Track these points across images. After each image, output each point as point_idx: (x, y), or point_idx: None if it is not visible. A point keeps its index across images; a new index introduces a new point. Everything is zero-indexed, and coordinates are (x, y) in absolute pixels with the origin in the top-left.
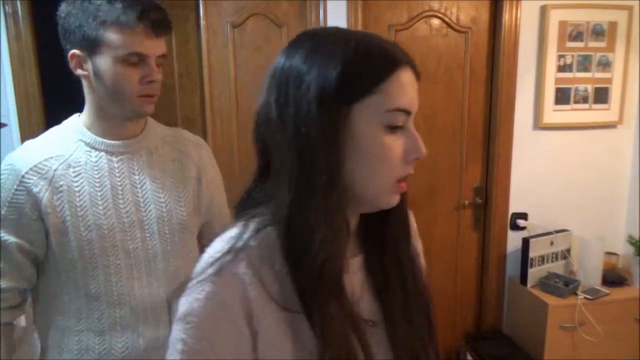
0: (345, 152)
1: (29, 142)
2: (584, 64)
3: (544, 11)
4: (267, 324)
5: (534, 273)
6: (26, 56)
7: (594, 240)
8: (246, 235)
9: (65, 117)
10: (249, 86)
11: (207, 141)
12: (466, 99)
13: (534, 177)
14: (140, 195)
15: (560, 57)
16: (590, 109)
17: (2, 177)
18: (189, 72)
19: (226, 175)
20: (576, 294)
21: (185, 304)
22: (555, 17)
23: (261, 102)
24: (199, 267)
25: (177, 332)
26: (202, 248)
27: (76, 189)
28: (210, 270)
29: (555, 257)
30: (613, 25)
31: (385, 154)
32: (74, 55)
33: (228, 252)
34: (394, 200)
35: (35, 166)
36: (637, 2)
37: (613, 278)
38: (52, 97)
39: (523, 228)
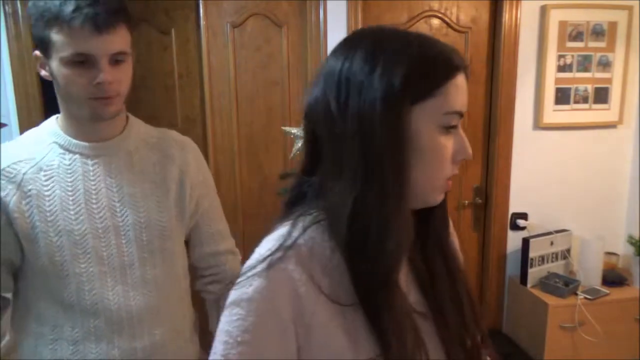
0: (408, 151)
1: (4, 145)
2: (584, 64)
3: (544, 11)
4: (321, 318)
5: (534, 273)
6: (26, 56)
7: (594, 240)
8: (295, 234)
9: None
10: (249, 86)
11: (207, 141)
12: None
13: (534, 177)
14: (116, 199)
15: (560, 57)
16: (590, 109)
17: None
18: (189, 72)
19: (226, 175)
20: (576, 294)
21: (232, 296)
22: (555, 17)
23: (315, 98)
24: (248, 265)
25: (223, 323)
26: (192, 254)
27: (46, 193)
28: (260, 267)
29: (555, 257)
30: (613, 25)
31: (440, 154)
32: (36, 57)
33: (277, 249)
34: (441, 197)
35: (3, 170)
36: (637, 2)
37: (613, 278)
38: (52, 97)
39: (523, 228)
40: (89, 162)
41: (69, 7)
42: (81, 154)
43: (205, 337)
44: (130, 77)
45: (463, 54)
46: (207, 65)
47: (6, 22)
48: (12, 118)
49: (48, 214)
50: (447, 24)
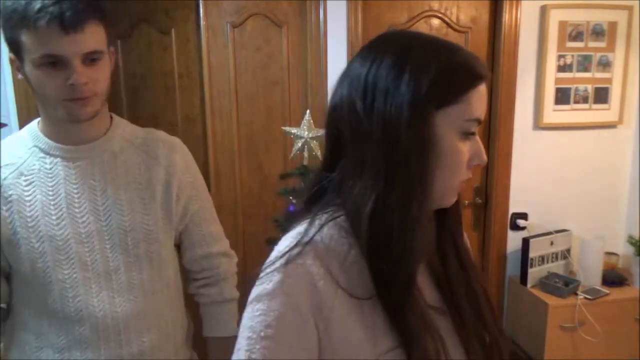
0: (431, 154)
1: None
2: (584, 64)
3: (544, 11)
4: (339, 312)
5: (534, 273)
6: None
7: (594, 240)
8: (312, 231)
9: None
10: (249, 86)
11: (207, 141)
12: None
13: (534, 177)
14: (99, 203)
15: (560, 57)
16: (590, 109)
17: None
18: (189, 72)
19: (226, 175)
20: (576, 294)
21: (254, 293)
22: (555, 17)
23: (340, 98)
24: (267, 261)
25: (246, 319)
26: (183, 257)
27: (27, 198)
28: (278, 263)
29: (555, 257)
30: (613, 25)
31: (458, 158)
32: (10, 60)
33: (295, 245)
34: (454, 199)
35: None
36: (637, 2)
37: (613, 278)
38: None
39: (523, 228)
40: (71, 165)
41: (35, 7)
42: (62, 157)
43: (201, 343)
44: (108, 76)
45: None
46: (207, 65)
47: None
48: (12, 118)
49: (29, 219)
50: (447, 24)
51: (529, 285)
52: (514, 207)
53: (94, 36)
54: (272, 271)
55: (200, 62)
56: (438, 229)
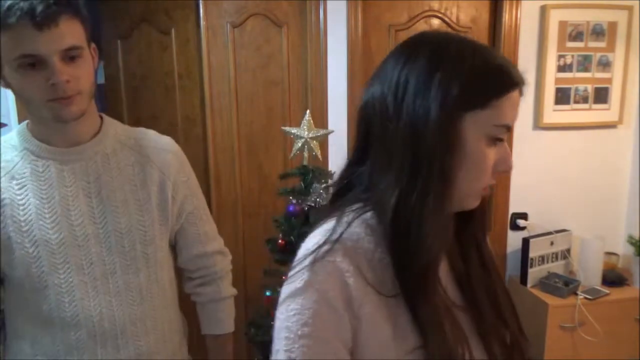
0: (455, 156)
1: None
2: (584, 64)
3: (544, 11)
4: (368, 309)
5: (534, 273)
6: None
7: (594, 240)
8: (340, 228)
9: None
10: (249, 86)
11: (207, 141)
12: None
13: (534, 177)
14: (94, 205)
15: (560, 57)
16: (590, 109)
17: None
18: (189, 72)
19: (226, 175)
20: (576, 294)
21: (285, 292)
22: (555, 17)
23: (372, 95)
24: (296, 259)
25: (281, 321)
26: (179, 257)
27: (20, 202)
28: (307, 261)
29: (555, 257)
30: (613, 25)
31: (483, 163)
32: None
33: (324, 243)
34: (477, 203)
35: None
36: (637, 2)
37: (613, 278)
38: None
39: (523, 228)
40: (64, 167)
41: (3, 5)
42: (55, 160)
43: (197, 342)
44: (91, 73)
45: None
46: (207, 65)
47: None
48: (12, 118)
49: (23, 223)
50: (447, 24)
51: (529, 285)
52: (514, 207)
53: (70, 31)
54: (301, 269)
55: (200, 62)
56: (462, 231)
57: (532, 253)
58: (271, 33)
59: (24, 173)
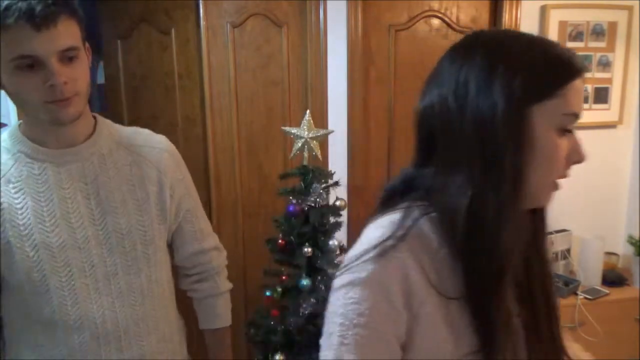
0: (527, 151)
1: None
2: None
3: (544, 11)
4: (428, 308)
5: None
6: None
7: (594, 240)
8: (407, 223)
9: None
10: (249, 86)
11: (207, 141)
12: None
13: None
14: (93, 207)
15: None
16: (590, 109)
17: None
18: (189, 72)
19: (226, 175)
20: (576, 294)
21: (345, 280)
22: (555, 17)
23: (431, 99)
24: (360, 249)
25: (337, 306)
26: (176, 255)
27: (18, 206)
28: (372, 253)
29: (555, 257)
30: (613, 25)
31: (555, 155)
32: None
33: (390, 237)
34: (550, 199)
35: None
36: (637, 2)
37: (613, 278)
38: None
39: None
40: (61, 169)
41: (1, 5)
42: (51, 162)
43: (196, 342)
44: (87, 74)
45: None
46: (207, 65)
47: None
48: (12, 118)
49: (22, 227)
50: (447, 24)
51: None
52: None
53: (68, 32)
54: (366, 260)
55: (200, 62)
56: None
57: None
58: (271, 33)
59: (20, 176)
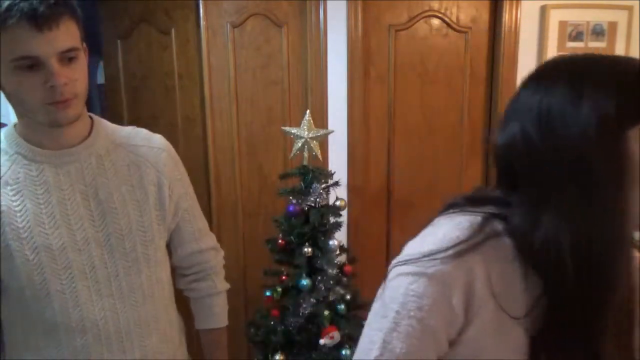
0: (629, 176)
1: None
2: None
3: (544, 11)
4: (483, 318)
5: None
6: None
7: None
8: (488, 231)
9: None
10: (249, 86)
11: (207, 141)
12: (466, 99)
13: None
14: (93, 208)
15: None
16: None
17: None
18: (189, 72)
19: (226, 175)
20: None
21: (409, 269)
22: (555, 17)
23: (512, 134)
24: (433, 244)
25: (395, 292)
26: (174, 255)
27: (16, 208)
28: (445, 253)
29: None
30: (613, 25)
31: None
32: None
33: (466, 240)
34: None
35: None
36: (637, 2)
37: None
38: None
39: None
40: (59, 171)
41: (2, 5)
42: (49, 163)
43: (196, 342)
44: (86, 75)
45: (463, 55)
46: (207, 65)
47: None
48: (12, 118)
49: (22, 230)
50: (447, 24)
51: None
52: None
53: (69, 32)
54: (437, 259)
55: (200, 62)
56: None
57: None
58: (271, 33)
59: (18, 178)
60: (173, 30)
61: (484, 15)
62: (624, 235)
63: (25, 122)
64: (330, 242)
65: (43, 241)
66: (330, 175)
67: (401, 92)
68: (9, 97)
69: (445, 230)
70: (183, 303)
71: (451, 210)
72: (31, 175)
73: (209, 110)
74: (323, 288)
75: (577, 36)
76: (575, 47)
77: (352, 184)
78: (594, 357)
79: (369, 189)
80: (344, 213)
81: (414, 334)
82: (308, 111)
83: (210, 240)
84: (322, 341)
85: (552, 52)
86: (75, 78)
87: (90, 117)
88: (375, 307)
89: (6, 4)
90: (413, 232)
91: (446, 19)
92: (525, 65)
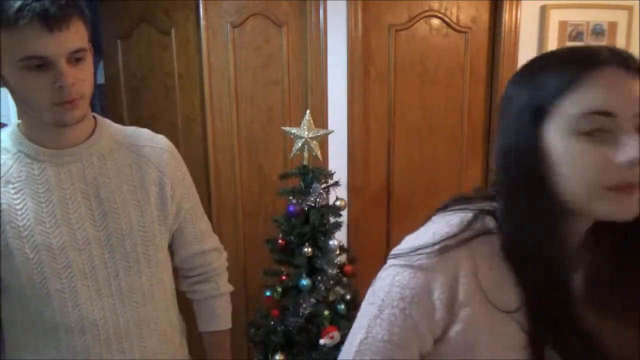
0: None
1: None
2: None
3: (544, 11)
4: (472, 313)
5: None
6: None
7: None
8: (477, 227)
9: None
10: (249, 86)
11: (207, 141)
12: (466, 99)
13: None
14: (94, 208)
15: None
16: None
17: None
18: (189, 72)
19: (226, 175)
20: None
21: (400, 262)
22: (555, 17)
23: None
24: (423, 240)
25: (385, 283)
26: (177, 256)
27: (17, 207)
28: (433, 248)
29: None
30: (613, 25)
31: (576, 162)
32: None
33: (454, 236)
34: (612, 208)
35: None
36: (637, 2)
37: None
38: None
39: None
40: (61, 170)
41: (14, 5)
42: (51, 162)
43: (197, 342)
44: (92, 76)
45: (463, 55)
46: (207, 65)
47: None
48: (12, 118)
49: (22, 229)
50: (447, 24)
51: None
52: None
53: (78, 33)
54: (424, 253)
55: (200, 62)
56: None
57: None
58: (271, 33)
59: (20, 177)
60: (173, 30)
61: (484, 15)
62: (551, 216)
63: (28, 121)
64: (330, 242)
65: (43, 240)
66: (330, 175)
67: (401, 92)
68: (15, 96)
69: (437, 227)
70: (184, 304)
71: (448, 209)
72: (33, 174)
73: (209, 110)
74: (323, 288)
75: (577, 36)
76: None
77: (352, 184)
78: (588, 340)
79: (369, 189)
80: (344, 213)
81: (395, 322)
82: (308, 111)
83: (213, 241)
84: (322, 341)
85: None
86: (83, 78)
87: (94, 117)
88: (367, 295)
89: (18, 3)
90: (413, 232)
91: (446, 19)
92: None
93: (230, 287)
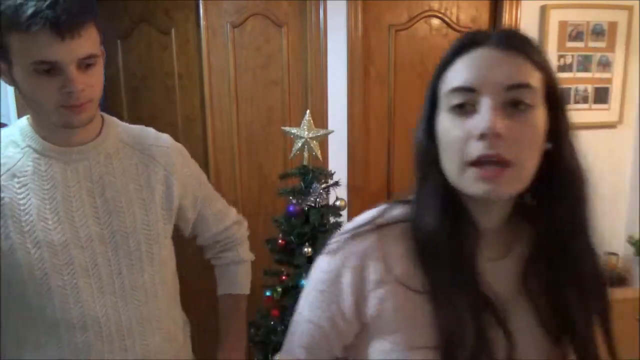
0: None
1: None
2: (584, 64)
3: (544, 11)
4: (381, 293)
5: None
6: None
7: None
8: (387, 216)
9: None
10: (249, 86)
11: (207, 141)
12: None
13: None
14: (99, 206)
15: (560, 57)
16: (590, 109)
17: None
18: (189, 72)
19: (226, 175)
20: None
21: (324, 251)
22: (555, 17)
23: None
24: (345, 227)
25: (313, 271)
26: (200, 238)
27: (21, 201)
28: (346, 234)
29: None
30: (613, 25)
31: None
32: None
33: (368, 223)
34: (470, 183)
35: None
36: (637, 2)
37: (613, 278)
38: None
39: None
40: (68, 167)
41: (27, 11)
42: (58, 159)
43: (198, 342)
44: (102, 80)
45: None
46: (207, 65)
47: None
48: (12, 118)
49: (24, 224)
50: (447, 24)
51: None
52: None
53: (89, 40)
54: (340, 237)
55: (200, 62)
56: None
57: None
58: (271, 33)
59: (26, 171)
60: (173, 30)
61: (484, 15)
62: (427, 188)
63: (38, 120)
64: None
65: (45, 236)
66: (330, 175)
67: (401, 92)
68: (24, 97)
69: (360, 217)
70: (188, 302)
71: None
72: (39, 170)
73: (209, 110)
74: None
75: (577, 36)
76: (575, 47)
77: (352, 184)
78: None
79: (369, 189)
80: (344, 213)
81: (315, 303)
82: (308, 111)
83: (232, 215)
84: None
85: (552, 52)
86: (92, 84)
87: (102, 116)
88: None
89: (31, 10)
90: None
91: (446, 19)
92: None
93: (251, 256)
